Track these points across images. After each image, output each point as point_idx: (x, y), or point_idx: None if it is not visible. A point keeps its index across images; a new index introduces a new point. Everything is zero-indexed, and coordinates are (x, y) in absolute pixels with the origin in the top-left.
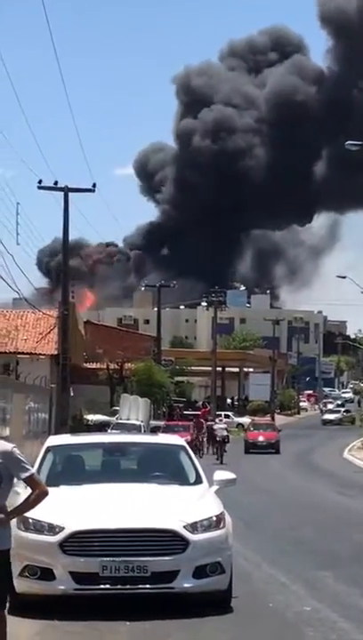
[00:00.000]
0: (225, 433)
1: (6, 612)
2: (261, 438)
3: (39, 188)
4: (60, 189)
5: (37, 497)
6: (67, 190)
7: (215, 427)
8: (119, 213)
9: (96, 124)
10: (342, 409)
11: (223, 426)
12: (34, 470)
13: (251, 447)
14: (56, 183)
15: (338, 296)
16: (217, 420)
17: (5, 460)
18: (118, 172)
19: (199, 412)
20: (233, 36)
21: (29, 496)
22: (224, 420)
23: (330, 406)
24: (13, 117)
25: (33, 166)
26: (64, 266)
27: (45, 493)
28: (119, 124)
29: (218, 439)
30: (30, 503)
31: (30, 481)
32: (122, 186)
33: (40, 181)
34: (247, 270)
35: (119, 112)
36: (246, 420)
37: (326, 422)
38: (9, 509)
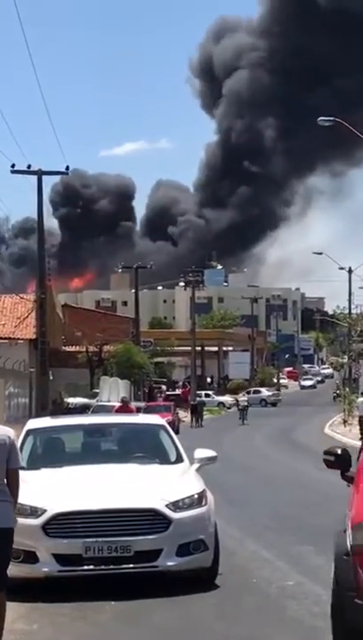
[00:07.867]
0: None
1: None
2: None
3: (12, 172)
4: (34, 172)
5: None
6: (40, 173)
7: None
8: None
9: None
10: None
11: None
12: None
13: None
14: (29, 167)
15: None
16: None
17: (7, 444)
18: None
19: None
20: None
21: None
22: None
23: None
24: None
25: (6, 151)
26: (39, 249)
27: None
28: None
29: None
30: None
31: (15, 474)
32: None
33: (13, 165)
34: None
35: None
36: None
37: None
38: None
